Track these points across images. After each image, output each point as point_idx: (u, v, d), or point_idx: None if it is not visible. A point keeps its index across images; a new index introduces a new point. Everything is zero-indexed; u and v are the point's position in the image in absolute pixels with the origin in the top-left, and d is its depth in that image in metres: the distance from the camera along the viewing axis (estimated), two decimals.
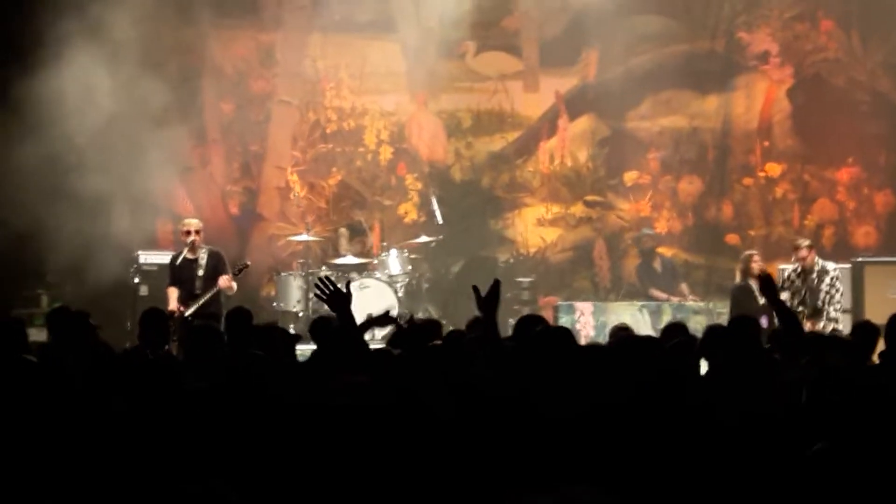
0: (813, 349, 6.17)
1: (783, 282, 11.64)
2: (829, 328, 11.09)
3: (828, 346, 6.39)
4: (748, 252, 12.06)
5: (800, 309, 11.32)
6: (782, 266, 13.22)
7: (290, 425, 4.57)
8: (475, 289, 5.67)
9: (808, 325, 11.12)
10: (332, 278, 6.09)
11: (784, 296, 11.37)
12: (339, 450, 4.30)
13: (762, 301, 11.17)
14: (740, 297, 11.60)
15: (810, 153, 14.91)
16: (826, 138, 14.77)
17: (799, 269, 11.51)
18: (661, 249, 14.33)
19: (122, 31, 13.42)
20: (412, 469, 4.48)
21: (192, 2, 13.93)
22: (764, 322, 11.06)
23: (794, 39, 14.95)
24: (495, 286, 5.69)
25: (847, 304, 11.90)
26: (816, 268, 11.43)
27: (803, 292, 11.34)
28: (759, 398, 5.59)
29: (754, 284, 11.36)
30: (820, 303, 11.33)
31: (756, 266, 11.49)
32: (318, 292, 5.75)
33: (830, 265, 11.53)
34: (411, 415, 4.74)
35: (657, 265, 13.76)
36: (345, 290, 5.72)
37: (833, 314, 11.30)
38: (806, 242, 11.67)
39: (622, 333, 7.60)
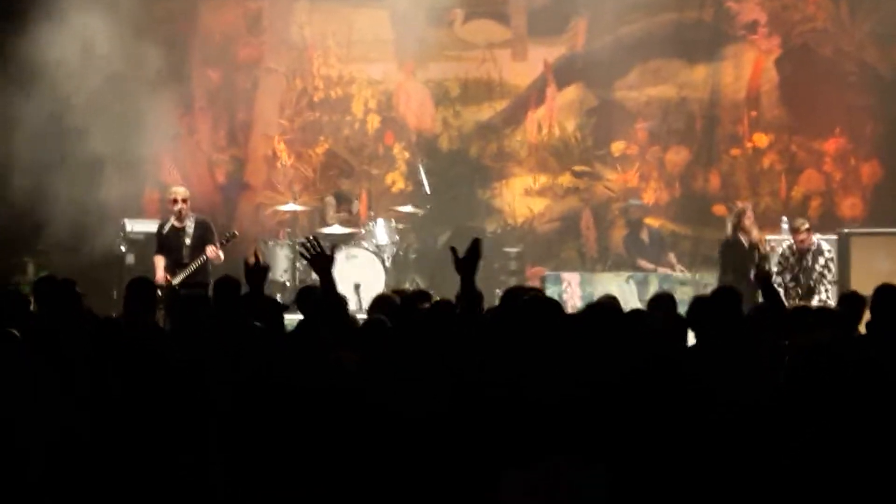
0: (800, 323, 6.18)
1: (780, 260, 11.65)
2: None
3: (814, 319, 6.41)
4: (741, 206, 11.99)
5: (792, 285, 11.35)
6: (773, 237, 13.24)
7: (279, 405, 4.58)
8: (453, 250, 5.56)
9: (798, 303, 11.14)
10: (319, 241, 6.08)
11: (777, 275, 11.39)
12: (326, 431, 4.31)
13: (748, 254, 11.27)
14: (730, 252, 11.62)
15: (797, 124, 14.90)
16: (813, 109, 14.75)
17: (795, 248, 11.51)
18: (648, 220, 14.34)
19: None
20: (399, 452, 4.50)
21: None
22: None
23: (783, 9, 14.91)
24: (475, 245, 5.56)
25: (834, 275, 11.90)
26: (813, 248, 11.44)
27: (796, 270, 11.36)
28: (747, 371, 5.62)
29: (744, 238, 11.40)
30: (812, 282, 11.36)
31: (748, 222, 11.42)
32: (303, 251, 5.81)
33: (825, 246, 11.53)
34: (398, 399, 4.75)
35: (644, 236, 13.77)
36: (329, 254, 5.77)
37: (824, 295, 11.33)
38: (805, 225, 11.64)
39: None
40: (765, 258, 11.24)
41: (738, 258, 11.43)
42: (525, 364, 5.26)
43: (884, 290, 6.72)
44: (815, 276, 11.38)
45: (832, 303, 11.06)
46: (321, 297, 5.90)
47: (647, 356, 5.48)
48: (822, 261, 11.39)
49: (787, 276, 11.46)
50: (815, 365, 4.98)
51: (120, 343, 4.74)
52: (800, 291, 11.41)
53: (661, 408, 5.01)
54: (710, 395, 5.20)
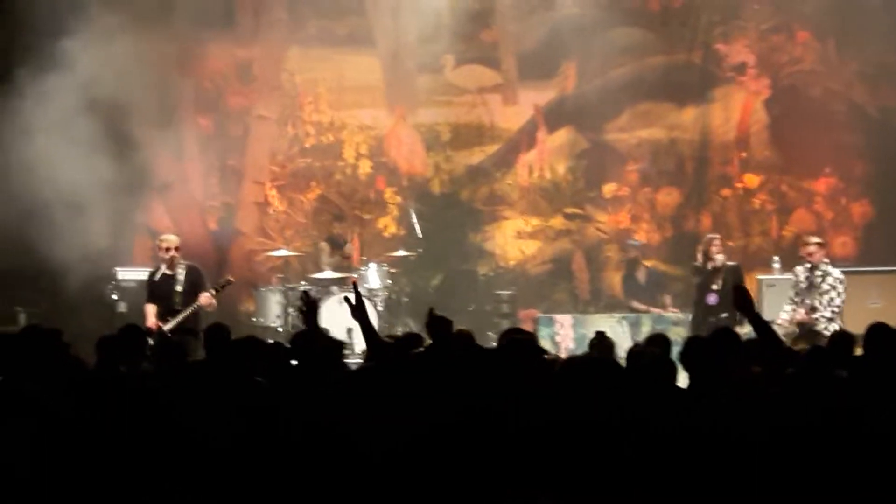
0: (794, 361, 6.17)
1: (792, 277, 11.71)
2: (822, 325, 11.15)
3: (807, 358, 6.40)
4: (710, 236, 12.23)
5: (798, 300, 11.41)
6: (765, 276, 13.27)
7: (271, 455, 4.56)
8: (346, 299, 5.85)
9: (802, 316, 11.27)
10: (312, 293, 6.18)
11: (793, 297, 11.52)
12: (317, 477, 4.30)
13: (718, 284, 11.53)
14: (691, 274, 12.10)
15: (788, 164, 14.97)
16: (803, 149, 14.82)
17: (809, 266, 11.53)
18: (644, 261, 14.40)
19: (100, 47, 13.40)
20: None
21: (169, 17, 13.88)
22: (711, 300, 11.58)
23: (771, 51, 15.01)
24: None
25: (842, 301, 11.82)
26: (822, 267, 11.47)
27: (803, 287, 11.43)
28: (740, 411, 5.60)
29: (710, 265, 11.61)
30: (817, 302, 11.37)
31: (715, 249, 11.64)
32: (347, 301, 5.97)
33: (835, 270, 11.53)
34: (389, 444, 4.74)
35: (640, 276, 13.78)
36: (354, 300, 5.88)
37: (828, 314, 11.30)
38: (815, 239, 11.73)
39: (599, 345, 7.59)
40: (719, 273, 11.61)
41: (698, 280, 11.87)
42: (513, 401, 5.26)
43: (876, 329, 6.72)
44: (819, 294, 11.38)
45: (836, 325, 11.03)
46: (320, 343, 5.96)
47: (633, 397, 5.47)
48: (830, 280, 11.38)
49: (794, 292, 11.56)
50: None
51: (108, 392, 4.72)
52: (805, 309, 11.43)
53: (650, 450, 5.00)
54: (701, 437, 5.18)
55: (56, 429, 4.81)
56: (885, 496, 5.07)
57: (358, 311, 5.98)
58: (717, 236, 12.13)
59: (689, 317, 12.53)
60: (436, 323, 5.79)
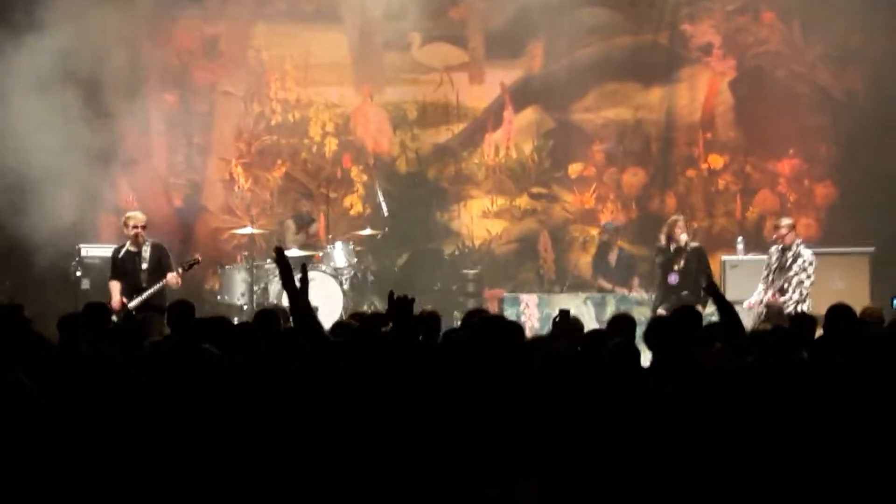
0: (756, 344, 6.21)
1: (767, 258, 11.74)
2: (790, 308, 11.19)
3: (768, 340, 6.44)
4: (674, 217, 12.12)
5: (769, 280, 11.45)
6: (729, 257, 13.36)
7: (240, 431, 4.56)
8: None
9: (769, 297, 11.28)
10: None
11: (763, 275, 11.59)
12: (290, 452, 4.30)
13: (680, 264, 11.53)
14: (655, 254, 12.00)
15: (752, 145, 15.04)
16: (767, 130, 14.89)
17: (781, 247, 11.56)
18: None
19: (66, 23, 13.30)
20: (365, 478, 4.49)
21: None
22: (672, 279, 11.57)
23: (737, 32, 15.06)
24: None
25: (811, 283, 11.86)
26: (793, 248, 11.46)
27: (774, 268, 11.47)
28: (703, 389, 5.65)
29: (672, 246, 11.66)
30: (786, 283, 11.40)
31: (679, 230, 11.67)
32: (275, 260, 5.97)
33: (807, 251, 11.52)
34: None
35: (612, 258, 13.76)
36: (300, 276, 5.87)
37: (797, 296, 11.33)
38: (786, 221, 11.68)
39: (562, 324, 7.62)
40: (681, 253, 11.61)
41: (660, 260, 11.80)
42: (487, 382, 5.29)
43: (836, 311, 6.78)
44: (789, 275, 11.40)
45: (805, 306, 11.08)
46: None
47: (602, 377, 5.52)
48: (800, 262, 11.38)
49: (765, 273, 11.60)
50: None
51: (70, 368, 4.70)
52: (773, 287, 11.49)
53: (613, 429, 5.04)
54: (665, 414, 5.23)
55: (16, 406, 4.79)
56: (846, 475, 5.14)
57: (287, 280, 5.99)
58: (681, 217, 12.10)
59: (653, 296, 12.59)
60: (398, 305, 5.78)
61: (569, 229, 15.14)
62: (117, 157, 14.17)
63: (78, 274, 12.93)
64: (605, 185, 15.11)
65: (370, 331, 6.47)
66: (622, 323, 7.16)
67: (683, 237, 11.72)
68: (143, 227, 11.32)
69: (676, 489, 5.01)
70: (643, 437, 5.18)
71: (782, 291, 11.35)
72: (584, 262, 14.84)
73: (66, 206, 13.51)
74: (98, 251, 12.97)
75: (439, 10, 15.02)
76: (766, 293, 11.38)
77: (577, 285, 14.45)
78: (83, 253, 13.08)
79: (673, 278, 11.66)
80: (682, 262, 11.64)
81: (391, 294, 5.72)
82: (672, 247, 11.72)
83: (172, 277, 11.14)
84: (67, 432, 4.38)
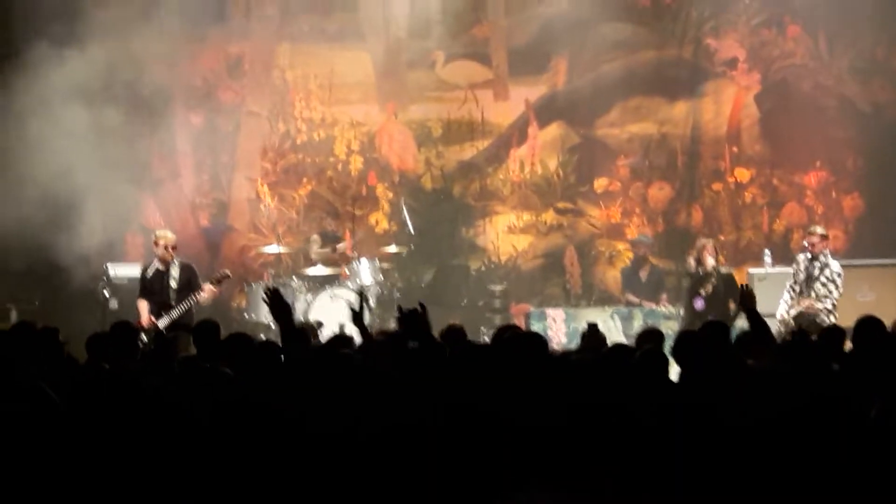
0: (783, 355, 6.19)
1: (793, 266, 11.65)
2: (822, 316, 11.16)
3: (795, 351, 6.41)
4: (703, 241, 12.03)
5: (797, 289, 11.42)
6: (757, 270, 13.29)
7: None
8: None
9: (802, 304, 11.24)
10: (281, 289, 6.21)
11: (789, 284, 11.55)
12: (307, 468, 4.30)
13: (707, 290, 11.44)
14: (689, 283, 11.85)
15: (778, 158, 15.00)
16: (794, 143, 14.85)
17: (809, 256, 11.49)
18: (630, 255, 14.45)
19: (93, 44, 13.41)
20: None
21: (160, 14, 13.87)
22: (699, 304, 11.45)
23: (762, 45, 15.04)
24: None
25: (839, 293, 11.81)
26: (821, 258, 11.39)
27: (802, 278, 11.44)
28: (732, 403, 5.62)
29: (701, 271, 11.59)
30: (814, 292, 11.36)
31: (707, 254, 11.61)
32: (265, 299, 5.90)
33: (836, 263, 11.47)
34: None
35: (644, 273, 13.68)
36: (359, 304, 5.85)
37: (827, 306, 11.28)
38: (820, 230, 11.58)
39: (591, 337, 7.62)
40: (708, 278, 11.51)
41: (693, 285, 11.69)
42: (512, 393, 5.28)
43: (865, 323, 6.74)
44: (817, 285, 11.33)
45: (833, 318, 11.03)
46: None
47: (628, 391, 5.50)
48: (827, 272, 11.30)
49: (792, 281, 11.56)
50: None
51: (102, 390, 4.73)
52: (800, 296, 11.47)
53: (644, 438, 5.02)
54: (694, 428, 5.20)
55: (47, 425, 4.81)
56: (876, 487, 5.10)
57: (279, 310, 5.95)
58: (710, 241, 12.00)
59: (681, 311, 12.54)
60: (407, 319, 5.77)
61: (595, 244, 15.11)
62: (144, 176, 14.25)
63: (106, 294, 12.97)
64: (630, 200, 15.09)
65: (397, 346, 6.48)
66: (651, 337, 7.15)
67: (711, 262, 11.61)
68: (174, 248, 11.38)
69: (699, 500, 4.98)
70: (667, 446, 5.16)
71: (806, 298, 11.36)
72: (610, 276, 14.82)
73: (94, 225, 13.60)
74: (126, 270, 13.02)
75: (463, 28, 15.07)
76: (797, 302, 11.31)
77: (604, 300, 14.42)
78: (111, 273, 13.13)
79: (699, 304, 11.55)
80: (709, 288, 11.53)
81: (399, 308, 5.72)
82: (700, 270, 11.64)
83: (208, 289, 11.16)
84: (88, 449, 4.40)
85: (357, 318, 6.05)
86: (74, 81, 13.17)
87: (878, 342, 6.56)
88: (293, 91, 15.09)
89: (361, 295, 6.06)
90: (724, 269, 11.79)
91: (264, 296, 5.93)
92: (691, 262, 11.82)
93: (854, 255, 14.02)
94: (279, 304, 5.85)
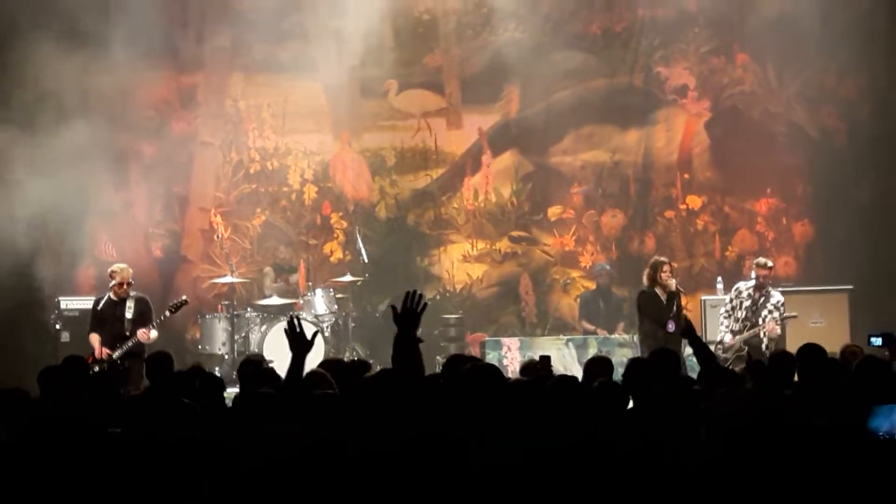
0: (729, 381, 6.25)
1: (731, 297, 12.03)
2: (765, 342, 11.62)
3: (740, 379, 6.49)
4: (659, 259, 11.87)
5: (741, 316, 11.63)
6: (709, 297, 13.42)
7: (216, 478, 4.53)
8: (393, 308, 5.50)
9: (746, 335, 11.68)
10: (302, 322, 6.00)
11: (728, 313, 11.86)
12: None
13: (673, 310, 11.37)
14: (646, 302, 11.61)
15: (729, 185, 15.13)
16: (744, 170, 14.99)
17: (752, 288, 11.78)
18: (585, 283, 14.55)
19: (42, 75, 13.35)
20: None
21: (111, 44, 13.81)
22: (671, 327, 11.27)
23: (711, 73, 15.19)
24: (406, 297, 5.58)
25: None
26: (767, 289, 11.74)
27: (748, 305, 11.64)
28: (685, 429, 5.65)
29: (659, 291, 11.47)
30: (760, 319, 11.68)
31: (665, 276, 11.46)
32: (287, 328, 5.75)
33: (778, 293, 11.83)
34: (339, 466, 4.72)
35: (602, 302, 13.76)
36: (310, 339, 5.72)
37: (765, 332, 11.61)
38: (770, 262, 12.00)
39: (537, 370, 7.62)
40: (680, 307, 11.46)
41: (656, 309, 11.47)
42: (468, 429, 5.26)
43: (807, 350, 6.84)
44: (763, 314, 11.64)
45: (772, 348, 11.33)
46: (288, 378, 5.83)
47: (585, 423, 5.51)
48: (773, 300, 11.73)
49: (740, 313, 11.70)
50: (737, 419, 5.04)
51: (50, 424, 4.69)
52: (746, 325, 11.69)
53: (600, 473, 5.02)
54: (646, 459, 5.21)
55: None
56: None
57: (298, 342, 5.80)
58: (665, 260, 11.87)
59: (634, 338, 12.58)
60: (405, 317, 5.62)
61: (549, 272, 15.16)
62: (96, 208, 14.15)
63: (57, 327, 12.88)
64: (584, 228, 15.16)
65: (354, 376, 6.45)
66: (599, 365, 7.16)
67: (672, 282, 11.52)
68: (129, 285, 11.36)
69: None
70: (625, 473, 5.17)
71: (754, 326, 11.60)
72: (565, 304, 14.88)
73: (46, 256, 13.52)
74: (77, 303, 12.93)
75: (415, 58, 15.12)
76: (742, 330, 11.55)
77: (559, 328, 14.48)
78: (62, 305, 13.04)
79: (671, 326, 11.37)
80: (674, 308, 11.43)
81: (394, 308, 5.56)
82: (663, 292, 11.47)
83: (142, 334, 11.12)
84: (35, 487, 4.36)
85: (297, 344, 5.81)
86: (23, 113, 13.11)
87: (821, 368, 6.64)
88: (246, 121, 15.07)
89: (317, 331, 5.94)
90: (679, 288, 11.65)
91: (286, 326, 5.75)
92: (646, 280, 11.66)
93: (805, 281, 14.18)
94: (298, 337, 5.74)
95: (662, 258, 12.01)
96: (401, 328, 5.42)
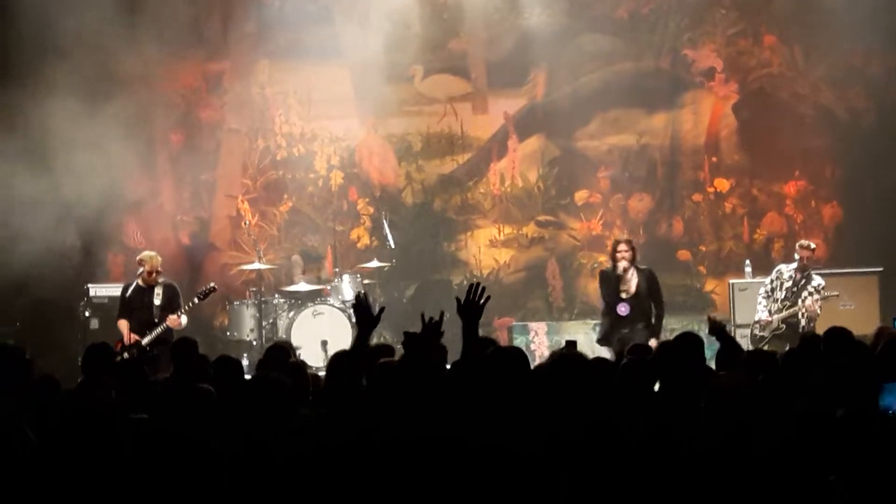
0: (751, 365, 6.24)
1: (773, 278, 12.07)
2: (803, 322, 11.71)
3: (763, 362, 6.47)
4: (617, 238, 11.60)
5: (782, 297, 11.68)
6: (737, 280, 13.38)
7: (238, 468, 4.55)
8: (458, 300, 5.53)
9: (785, 314, 11.81)
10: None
11: (769, 294, 11.97)
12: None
13: (623, 289, 10.88)
14: (599, 281, 11.26)
15: (758, 168, 15.04)
16: (772, 152, 14.91)
17: (794, 270, 11.79)
18: None
19: (69, 65, 13.40)
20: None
21: (137, 33, 13.86)
22: (622, 310, 10.83)
23: (738, 55, 15.10)
24: (470, 290, 5.61)
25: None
26: (807, 272, 11.84)
27: (790, 287, 11.66)
28: (713, 416, 5.63)
29: (619, 271, 10.96)
30: (800, 301, 11.79)
31: (618, 255, 10.99)
32: (355, 303, 5.77)
33: (818, 277, 11.99)
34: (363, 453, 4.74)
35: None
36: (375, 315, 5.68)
37: (804, 312, 11.68)
38: (812, 245, 12.08)
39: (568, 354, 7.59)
40: (623, 279, 10.91)
41: (603, 288, 11.16)
42: (494, 414, 5.27)
43: (833, 333, 6.82)
44: (804, 295, 11.75)
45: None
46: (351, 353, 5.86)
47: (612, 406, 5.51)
48: (815, 283, 11.83)
49: (779, 294, 11.81)
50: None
51: (69, 411, 4.71)
52: (786, 305, 11.80)
53: (623, 458, 5.02)
54: (671, 443, 5.20)
55: (24, 450, 4.80)
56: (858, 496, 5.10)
57: (366, 317, 5.81)
58: (623, 239, 11.34)
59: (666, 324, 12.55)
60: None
61: (576, 256, 15.13)
62: (124, 196, 14.23)
63: (87, 314, 12.96)
64: (611, 212, 15.11)
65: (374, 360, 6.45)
66: (639, 351, 7.13)
67: (623, 263, 10.96)
68: (158, 273, 11.45)
69: None
70: (652, 458, 5.16)
71: (793, 305, 11.65)
72: (592, 288, 14.80)
73: (75, 244, 13.61)
74: (106, 290, 13.01)
75: (440, 42, 15.09)
76: (781, 310, 11.57)
77: (586, 312, 14.44)
78: (91, 293, 13.12)
79: (623, 309, 10.86)
80: (629, 290, 10.95)
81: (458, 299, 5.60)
82: (616, 271, 10.98)
83: (172, 320, 11.20)
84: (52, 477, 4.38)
85: (364, 319, 5.78)
86: (54, 100, 13.18)
87: (847, 352, 6.62)
88: (273, 107, 15.09)
89: (383, 308, 5.92)
90: (643, 267, 11.19)
91: (355, 301, 5.81)
92: (608, 261, 11.32)
93: (834, 263, 14.10)
94: (365, 312, 5.79)
95: (623, 237, 11.76)
96: (465, 320, 5.50)
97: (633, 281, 10.98)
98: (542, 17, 14.97)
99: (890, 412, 4.97)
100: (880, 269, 13.38)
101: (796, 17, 14.78)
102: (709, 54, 15.07)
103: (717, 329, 7.31)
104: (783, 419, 5.20)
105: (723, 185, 15.10)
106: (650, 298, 10.97)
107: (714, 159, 15.13)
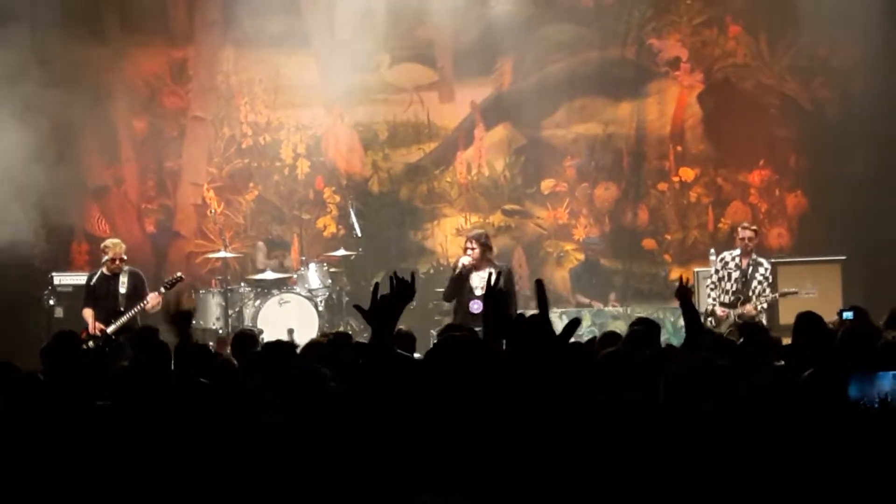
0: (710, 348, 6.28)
1: (718, 268, 12.04)
2: (761, 316, 11.60)
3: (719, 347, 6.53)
4: (468, 234, 11.14)
5: (733, 289, 11.67)
6: (702, 269, 13.45)
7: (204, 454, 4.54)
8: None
9: (740, 310, 11.66)
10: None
11: (716, 283, 11.88)
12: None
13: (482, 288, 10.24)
14: (452, 288, 10.79)
15: (722, 157, 15.13)
16: (737, 142, 15.00)
17: (738, 256, 11.80)
18: (578, 256, 14.57)
19: (30, 50, 13.30)
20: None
21: (100, 19, 13.77)
22: (473, 307, 10.21)
23: (703, 45, 15.17)
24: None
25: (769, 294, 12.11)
26: (753, 257, 11.77)
27: (738, 277, 11.66)
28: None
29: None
30: (751, 292, 11.72)
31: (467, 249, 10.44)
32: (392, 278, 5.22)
33: (765, 260, 11.86)
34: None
35: (592, 274, 13.81)
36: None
37: (760, 307, 11.64)
38: (753, 226, 12.04)
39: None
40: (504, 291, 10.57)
41: (448, 283, 10.83)
42: (462, 399, 5.25)
43: (804, 318, 6.85)
44: (753, 285, 11.66)
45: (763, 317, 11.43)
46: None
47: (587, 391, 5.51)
48: (761, 270, 11.76)
49: (728, 285, 11.71)
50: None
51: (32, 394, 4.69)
52: (741, 298, 11.76)
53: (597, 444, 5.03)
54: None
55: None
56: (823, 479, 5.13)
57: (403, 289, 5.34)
58: (473, 235, 10.80)
59: (628, 310, 12.62)
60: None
61: (543, 245, 15.16)
62: (87, 183, 14.14)
63: (51, 302, 12.89)
64: (577, 201, 15.15)
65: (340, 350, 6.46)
66: (610, 341, 7.17)
67: (465, 259, 10.43)
68: (122, 261, 11.40)
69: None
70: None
71: (747, 300, 11.63)
72: (559, 276, 14.88)
73: (39, 232, 13.52)
74: (70, 279, 12.94)
75: (407, 31, 15.06)
76: (735, 303, 11.58)
77: (553, 300, 14.44)
78: (56, 281, 13.04)
79: (476, 306, 10.25)
80: (483, 286, 10.43)
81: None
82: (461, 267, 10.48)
83: (153, 298, 11.19)
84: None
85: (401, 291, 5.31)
86: (11, 88, 13.07)
87: (817, 336, 6.66)
88: (238, 95, 15.02)
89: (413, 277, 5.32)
90: (500, 264, 10.73)
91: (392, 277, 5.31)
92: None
93: (798, 252, 14.22)
94: (402, 286, 5.39)
95: (474, 231, 11.39)
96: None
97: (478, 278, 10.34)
98: (507, 6, 14.97)
99: (860, 403, 5.00)
100: (843, 257, 13.48)
101: (762, 8, 14.87)
102: (674, 44, 15.13)
103: (682, 293, 7.04)
104: (743, 396, 5.22)
105: (688, 174, 15.17)
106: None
107: (679, 148, 15.20)
